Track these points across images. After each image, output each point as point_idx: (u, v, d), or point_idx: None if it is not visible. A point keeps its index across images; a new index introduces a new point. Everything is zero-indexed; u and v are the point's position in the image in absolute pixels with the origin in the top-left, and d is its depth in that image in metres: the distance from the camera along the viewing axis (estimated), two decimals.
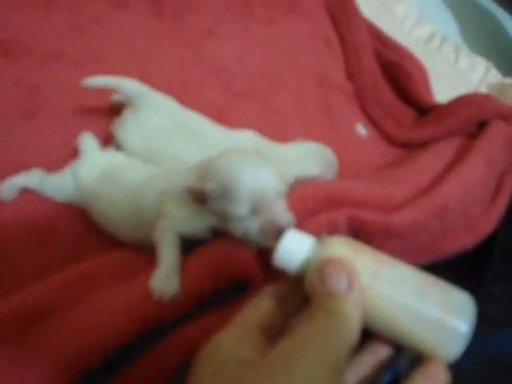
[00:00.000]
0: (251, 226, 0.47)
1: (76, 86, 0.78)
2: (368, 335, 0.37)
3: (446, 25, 1.45)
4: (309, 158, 0.77)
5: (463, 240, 0.65)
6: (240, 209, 0.46)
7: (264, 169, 0.49)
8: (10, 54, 0.78)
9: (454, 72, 1.25)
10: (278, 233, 0.43)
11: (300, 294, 0.39)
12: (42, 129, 0.74)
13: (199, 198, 0.49)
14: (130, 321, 0.47)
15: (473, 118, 0.86)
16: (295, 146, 0.80)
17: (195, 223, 0.53)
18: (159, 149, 0.71)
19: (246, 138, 0.79)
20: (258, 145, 0.79)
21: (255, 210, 0.46)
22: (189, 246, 0.54)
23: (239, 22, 1.02)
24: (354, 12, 1.11)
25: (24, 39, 0.80)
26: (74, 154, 0.70)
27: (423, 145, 0.90)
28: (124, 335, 0.47)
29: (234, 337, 0.35)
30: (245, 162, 0.49)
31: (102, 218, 0.63)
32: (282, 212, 0.47)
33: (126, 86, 0.74)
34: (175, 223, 0.53)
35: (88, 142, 0.70)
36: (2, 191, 0.66)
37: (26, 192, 0.67)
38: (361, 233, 0.56)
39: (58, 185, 0.66)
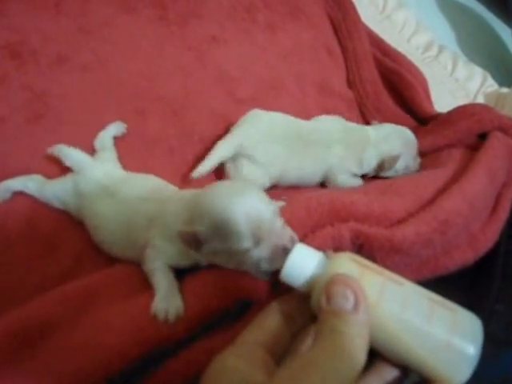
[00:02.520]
0: (260, 256, 0.46)
1: (82, 91, 0.80)
2: (374, 354, 0.36)
3: (444, 34, 1.47)
4: (391, 139, 0.87)
5: (464, 255, 0.65)
6: (243, 243, 0.45)
7: (252, 194, 0.47)
8: (18, 57, 0.78)
9: (451, 81, 1.26)
10: (286, 252, 0.43)
11: (306, 311, 0.39)
12: (47, 134, 0.73)
13: (193, 242, 0.47)
14: (134, 343, 0.47)
15: (473, 130, 0.87)
16: (376, 127, 0.90)
17: (183, 259, 0.53)
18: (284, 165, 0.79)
19: (335, 123, 0.88)
20: (347, 128, 0.88)
21: (258, 240, 0.45)
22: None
23: (243, 29, 1.02)
24: (356, 20, 1.12)
25: (32, 43, 0.80)
26: None
27: (423, 155, 0.91)
28: (128, 357, 0.47)
29: (241, 356, 0.35)
30: (231, 195, 0.47)
31: (96, 234, 0.63)
32: (283, 232, 0.46)
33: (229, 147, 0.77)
34: (162, 256, 0.53)
35: (78, 155, 0.69)
36: None
37: (28, 203, 0.67)
38: (365, 247, 0.57)
39: (58, 192, 0.66)
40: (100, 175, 0.65)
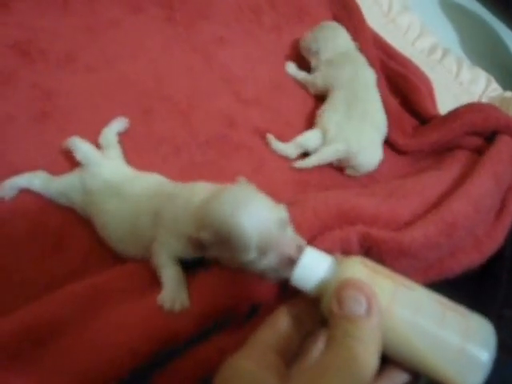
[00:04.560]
0: (265, 265, 0.45)
1: (89, 90, 0.80)
2: (385, 359, 0.36)
3: (448, 38, 1.47)
4: None
5: (470, 258, 0.65)
6: (249, 255, 0.44)
7: (259, 204, 0.46)
8: (26, 56, 0.78)
9: (455, 84, 1.26)
10: (293, 262, 0.42)
11: (315, 314, 0.39)
12: (54, 132, 0.73)
13: (198, 246, 0.48)
14: (145, 341, 0.47)
15: (478, 125, 0.87)
16: None
17: (191, 252, 0.53)
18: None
19: None
20: None
21: (264, 251, 0.44)
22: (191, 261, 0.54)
23: (249, 30, 1.02)
24: (361, 23, 1.12)
25: (40, 42, 0.80)
26: None
27: (429, 156, 0.92)
28: (139, 355, 0.47)
29: (253, 359, 0.35)
30: (237, 206, 0.45)
31: (103, 231, 0.63)
32: (291, 241, 0.45)
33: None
34: (170, 250, 0.53)
35: (87, 150, 0.69)
36: (2, 190, 0.65)
37: (35, 200, 0.66)
38: (373, 250, 0.57)
39: (64, 189, 0.66)
40: (106, 172, 0.65)
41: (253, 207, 0.46)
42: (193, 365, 0.48)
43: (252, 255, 0.44)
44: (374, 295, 0.35)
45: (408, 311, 0.35)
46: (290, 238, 0.45)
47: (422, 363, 0.35)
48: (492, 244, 0.69)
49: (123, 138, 0.76)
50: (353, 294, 0.35)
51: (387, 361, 0.36)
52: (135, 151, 0.75)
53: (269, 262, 0.44)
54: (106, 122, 0.76)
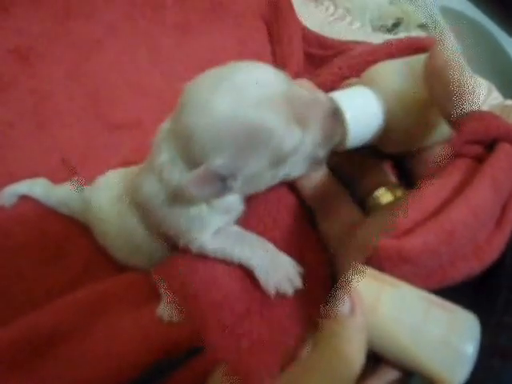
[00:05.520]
0: (314, 139, 0.38)
1: (90, 95, 0.79)
2: (377, 360, 0.36)
3: None
4: None
5: (470, 266, 0.65)
6: (290, 139, 0.37)
7: (260, 72, 0.39)
8: (26, 61, 0.79)
9: None
10: (338, 116, 0.38)
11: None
12: (54, 139, 0.73)
13: (217, 185, 0.37)
14: (145, 350, 0.46)
15: (478, 132, 0.86)
16: None
17: (216, 215, 0.45)
18: None
19: None
20: None
21: (304, 124, 0.37)
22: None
23: (141, 32, 0.92)
24: (288, 21, 0.98)
25: (40, 47, 0.81)
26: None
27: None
28: (139, 366, 0.46)
29: None
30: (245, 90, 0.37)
31: (101, 240, 0.61)
32: (323, 97, 0.38)
33: None
34: (209, 225, 0.45)
35: None
36: (2, 197, 0.65)
37: (35, 208, 0.66)
38: (373, 257, 0.57)
39: (64, 197, 0.65)
40: (105, 177, 0.64)
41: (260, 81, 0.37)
42: (192, 375, 0.48)
43: (296, 136, 0.37)
44: (356, 293, 0.36)
45: (392, 308, 0.36)
46: (322, 96, 0.38)
47: (408, 359, 0.35)
48: (492, 252, 0.68)
49: (125, 141, 0.75)
50: (337, 294, 0.36)
51: (378, 360, 0.37)
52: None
53: (313, 138, 0.38)
54: (107, 126, 0.76)
